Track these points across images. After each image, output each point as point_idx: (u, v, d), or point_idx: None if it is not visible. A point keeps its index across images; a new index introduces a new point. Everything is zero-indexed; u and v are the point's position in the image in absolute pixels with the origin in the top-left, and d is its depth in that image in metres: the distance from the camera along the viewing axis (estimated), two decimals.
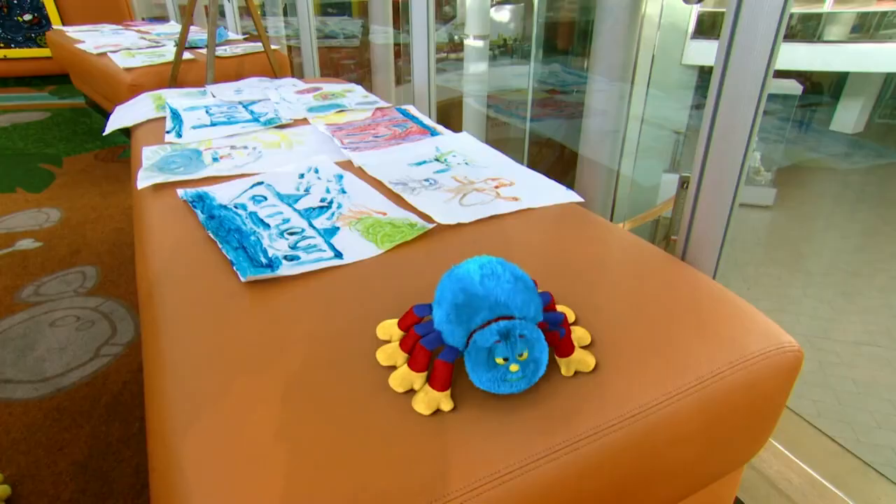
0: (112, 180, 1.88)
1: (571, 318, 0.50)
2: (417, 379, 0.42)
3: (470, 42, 1.87)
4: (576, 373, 0.44)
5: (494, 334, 0.38)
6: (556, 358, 0.44)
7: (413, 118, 1.13)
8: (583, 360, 0.44)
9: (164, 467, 0.39)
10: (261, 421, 0.40)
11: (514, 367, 0.39)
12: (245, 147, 0.97)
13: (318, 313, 0.52)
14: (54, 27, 2.72)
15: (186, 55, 1.88)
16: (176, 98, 1.29)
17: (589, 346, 0.47)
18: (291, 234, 0.66)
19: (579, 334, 0.47)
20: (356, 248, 0.63)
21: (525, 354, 0.39)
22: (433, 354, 0.42)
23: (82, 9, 3.21)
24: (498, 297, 0.40)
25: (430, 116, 1.34)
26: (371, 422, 0.40)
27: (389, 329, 0.48)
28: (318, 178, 0.83)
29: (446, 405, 0.40)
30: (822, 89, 2.30)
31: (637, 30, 0.88)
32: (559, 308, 0.50)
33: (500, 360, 0.39)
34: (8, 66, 3.15)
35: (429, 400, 0.40)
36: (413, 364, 0.42)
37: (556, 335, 0.43)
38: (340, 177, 0.83)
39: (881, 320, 1.33)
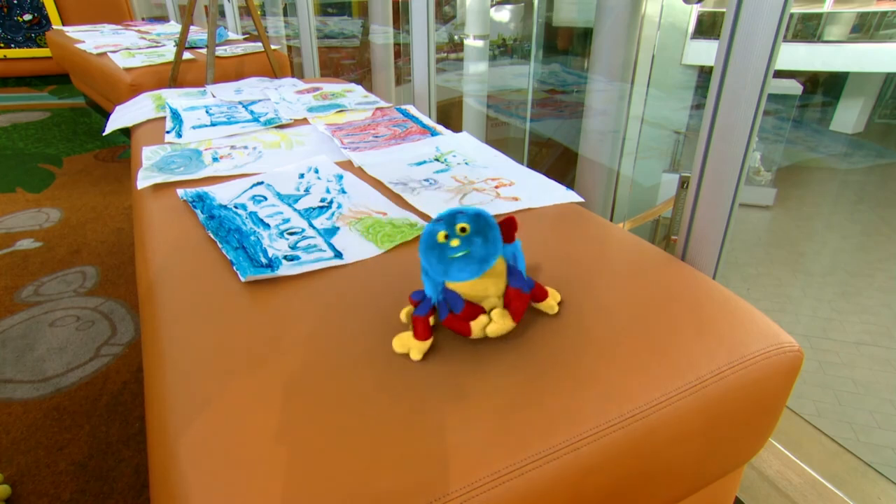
0: (112, 180, 1.88)
1: (557, 297, 0.52)
2: (415, 346, 0.45)
3: (470, 42, 1.87)
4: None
5: (439, 220, 0.41)
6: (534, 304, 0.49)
7: (413, 118, 1.13)
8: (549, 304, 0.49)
9: (164, 467, 0.39)
10: (261, 421, 0.40)
11: (454, 242, 0.41)
12: (245, 147, 0.97)
13: (318, 313, 0.52)
14: (54, 27, 2.72)
15: (186, 55, 1.88)
16: (176, 98, 1.29)
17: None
18: (291, 234, 0.66)
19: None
20: (356, 248, 0.63)
21: (466, 227, 0.41)
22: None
23: (82, 9, 3.21)
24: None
25: (430, 116, 1.34)
26: (371, 421, 0.40)
27: (405, 341, 0.47)
28: (318, 178, 0.83)
29: (416, 354, 0.45)
30: (823, 89, 2.30)
31: (637, 30, 0.88)
32: (549, 290, 0.52)
33: (441, 236, 0.41)
34: (8, 66, 3.15)
35: (403, 341, 0.45)
36: (416, 334, 0.46)
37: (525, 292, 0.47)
38: (340, 177, 0.83)
39: (881, 320, 1.33)
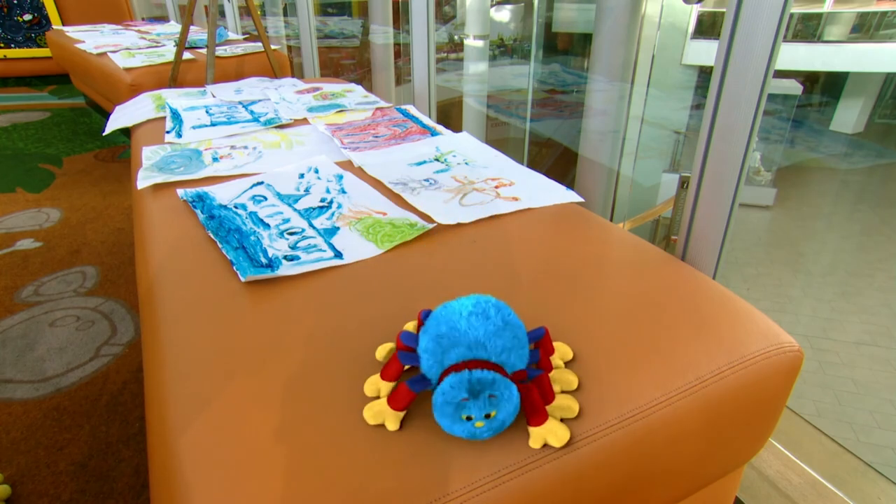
0: (112, 180, 1.88)
1: (568, 355, 0.46)
2: (392, 415, 0.40)
3: (470, 42, 1.87)
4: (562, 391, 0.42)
5: (464, 391, 0.36)
6: (527, 426, 0.39)
7: (413, 118, 1.13)
8: (554, 431, 0.38)
9: (164, 467, 0.39)
10: (261, 421, 0.40)
11: (479, 424, 0.37)
12: (245, 147, 0.97)
13: (318, 313, 0.52)
14: (54, 27, 2.72)
15: (186, 55, 1.88)
16: (176, 98, 1.29)
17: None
18: (291, 234, 0.66)
19: (566, 378, 0.43)
20: (356, 248, 0.63)
21: (493, 414, 0.37)
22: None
23: (82, 9, 3.21)
24: (478, 336, 0.38)
25: (430, 116, 1.34)
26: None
27: (376, 384, 0.43)
28: (318, 178, 0.83)
29: (392, 425, 0.39)
30: (822, 89, 2.30)
31: (637, 30, 0.88)
32: (556, 345, 0.47)
33: (465, 417, 0.37)
34: (8, 66, 3.15)
35: (377, 412, 0.40)
36: (392, 401, 0.40)
37: (529, 393, 0.39)
38: (340, 177, 0.83)
39: (881, 320, 1.33)
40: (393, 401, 0.40)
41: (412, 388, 0.39)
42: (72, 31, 2.42)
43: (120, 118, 1.21)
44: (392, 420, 0.39)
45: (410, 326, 0.48)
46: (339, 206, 0.74)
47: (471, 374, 0.36)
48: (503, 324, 0.39)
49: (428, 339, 0.40)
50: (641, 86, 0.95)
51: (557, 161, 1.77)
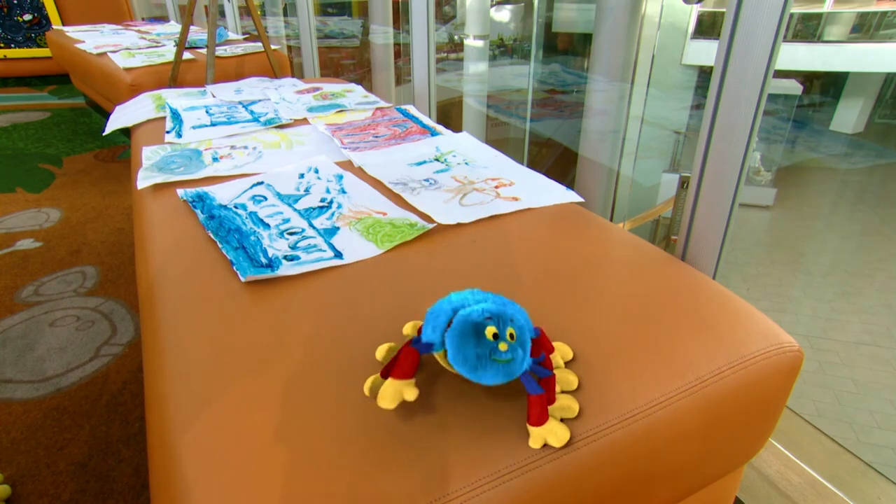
0: (112, 180, 1.88)
1: (568, 355, 0.46)
2: (408, 387, 0.39)
3: (470, 42, 1.87)
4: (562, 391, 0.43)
5: (486, 312, 0.37)
6: (527, 426, 0.39)
7: (413, 118, 1.13)
8: (554, 431, 0.38)
9: (164, 467, 0.39)
10: (261, 421, 0.40)
11: (503, 346, 0.37)
12: (245, 147, 0.97)
13: (318, 313, 0.52)
14: (54, 27, 2.72)
15: (186, 55, 1.88)
16: (176, 98, 1.29)
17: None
18: (291, 234, 0.66)
19: (566, 378, 0.43)
20: (356, 248, 0.63)
21: (514, 335, 0.37)
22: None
23: (82, 9, 3.21)
24: (486, 299, 0.41)
25: (430, 116, 1.34)
26: (371, 421, 0.40)
27: (376, 384, 0.42)
28: (318, 178, 0.83)
29: (410, 394, 0.38)
30: (822, 89, 2.30)
31: (637, 30, 0.88)
32: (556, 345, 0.46)
33: (490, 332, 0.36)
34: (8, 66, 3.15)
35: (392, 392, 0.38)
36: (399, 371, 0.39)
37: (541, 396, 0.39)
38: (340, 177, 0.83)
39: (881, 320, 1.33)
40: (400, 370, 0.39)
41: (416, 348, 0.40)
42: (72, 31, 2.42)
43: (120, 118, 1.21)
44: (409, 391, 0.38)
45: (409, 327, 0.48)
46: (339, 206, 0.74)
47: (487, 306, 0.38)
48: (507, 302, 0.42)
49: (436, 308, 0.41)
50: (641, 86, 0.95)
51: (557, 161, 1.77)
